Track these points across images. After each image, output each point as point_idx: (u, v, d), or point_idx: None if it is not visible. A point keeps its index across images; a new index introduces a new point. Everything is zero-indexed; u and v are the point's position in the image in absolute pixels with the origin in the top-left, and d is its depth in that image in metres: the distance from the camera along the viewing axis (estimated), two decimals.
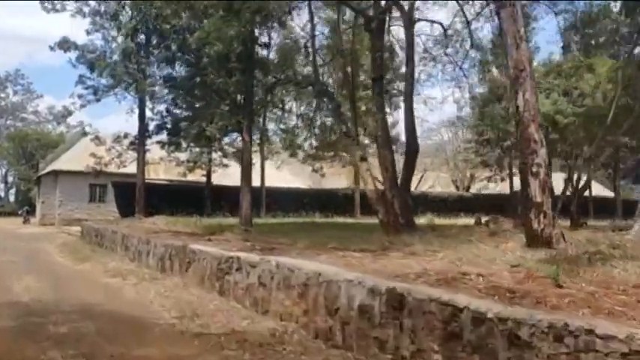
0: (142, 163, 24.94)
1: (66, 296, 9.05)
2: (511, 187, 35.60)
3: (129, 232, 15.33)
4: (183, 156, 27.38)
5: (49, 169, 39.34)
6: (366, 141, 31.78)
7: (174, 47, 17.45)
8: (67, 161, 37.69)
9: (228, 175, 33.24)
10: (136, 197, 25.01)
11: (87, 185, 35.51)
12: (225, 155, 27.98)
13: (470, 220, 15.86)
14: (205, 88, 14.63)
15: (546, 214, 6.77)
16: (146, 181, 26.17)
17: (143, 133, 24.95)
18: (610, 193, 41.51)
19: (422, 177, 45.22)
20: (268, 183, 33.33)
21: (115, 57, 22.24)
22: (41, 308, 7.89)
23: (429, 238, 8.35)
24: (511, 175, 35.49)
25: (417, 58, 18.66)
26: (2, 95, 68.10)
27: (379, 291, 5.02)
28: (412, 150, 10.59)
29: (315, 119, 15.56)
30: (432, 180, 48.20)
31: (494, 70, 32.67)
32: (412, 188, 43.65)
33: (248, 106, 14.62)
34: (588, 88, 18.67)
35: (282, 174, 38.15)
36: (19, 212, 43.88)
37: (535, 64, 22.93)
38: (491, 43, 21.27)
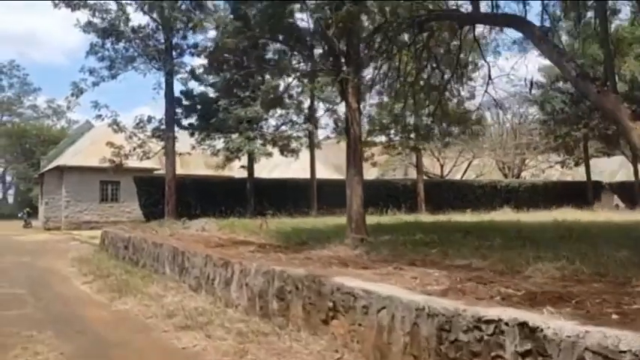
0: (171, 153, 20.01)
1: None
2: (587, 172, 30.79)
3: (183, 246, 10.60)
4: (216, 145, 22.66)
5: (52, 165, 34.56)
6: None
7: None
8: (73, 155, 33.08)
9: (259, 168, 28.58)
10: (165, 195, 20.09)
11: (97, 182, 30.82)
12: (265, 143, 23.22)
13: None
14: (290, 29, 9.84)
15: None
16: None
17: (172, 115, 20.03)
18: None
19: (470, 163, 40.54)
20: (291, 175, 28.63)
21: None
22: None
23: None
24: (587, 159, 30.70)
25: None
26: None
27: None
28: None
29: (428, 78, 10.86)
30: (475, 167, 43.31)
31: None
32: (459, 177, 39.27)
33: (354, 58, 9.78)
34: None
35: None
36: (19, 215, 39.26)
37: None
38: None
